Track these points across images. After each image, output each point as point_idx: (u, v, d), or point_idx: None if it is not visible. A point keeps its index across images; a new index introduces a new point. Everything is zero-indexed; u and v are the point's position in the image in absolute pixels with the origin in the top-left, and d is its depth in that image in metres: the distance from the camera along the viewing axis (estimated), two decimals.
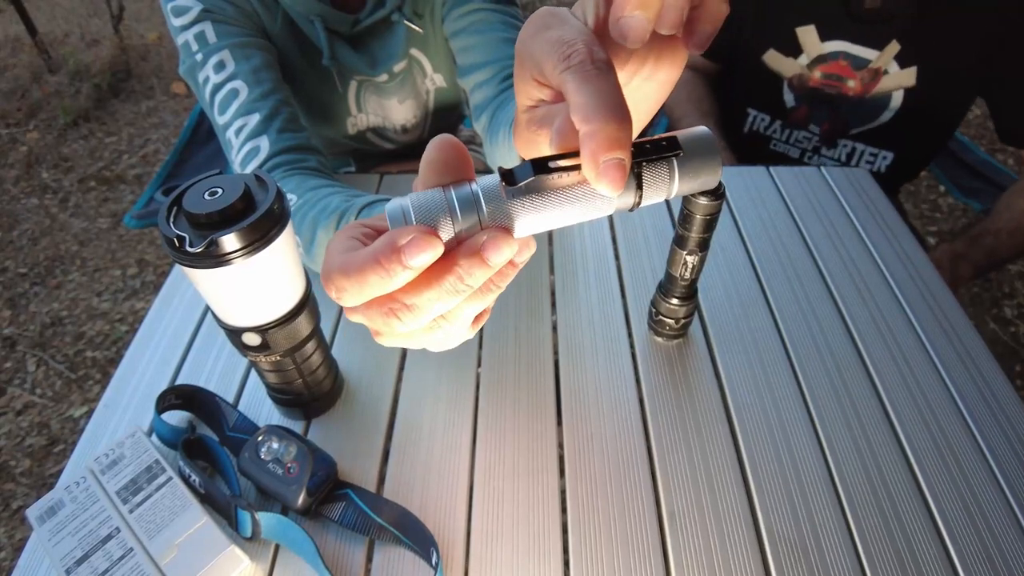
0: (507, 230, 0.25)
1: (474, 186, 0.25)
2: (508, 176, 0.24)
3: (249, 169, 0.61)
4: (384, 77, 0.80)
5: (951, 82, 0.85)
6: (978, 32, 0.81)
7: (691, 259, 0.51)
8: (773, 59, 0.92)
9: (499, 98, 0.67)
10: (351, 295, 0.25)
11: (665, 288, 0.55)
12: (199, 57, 0.65)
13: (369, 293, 0.25)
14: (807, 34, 0.87)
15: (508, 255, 0.24)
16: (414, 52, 0.82)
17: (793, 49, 0.90)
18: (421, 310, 0.25)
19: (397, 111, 0.87)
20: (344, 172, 0.95)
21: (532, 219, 0.25)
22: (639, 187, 0.25)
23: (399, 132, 0.90)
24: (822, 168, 0.79)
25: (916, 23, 0.81)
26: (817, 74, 0.90)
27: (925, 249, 0.77)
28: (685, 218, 0.48)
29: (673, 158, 0.25)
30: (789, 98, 0.94)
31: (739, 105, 1.00)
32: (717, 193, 0.46)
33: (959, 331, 0.59)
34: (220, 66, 0.64)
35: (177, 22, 0.65)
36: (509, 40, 0.70)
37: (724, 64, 1.04)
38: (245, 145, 0.62)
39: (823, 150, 0.96)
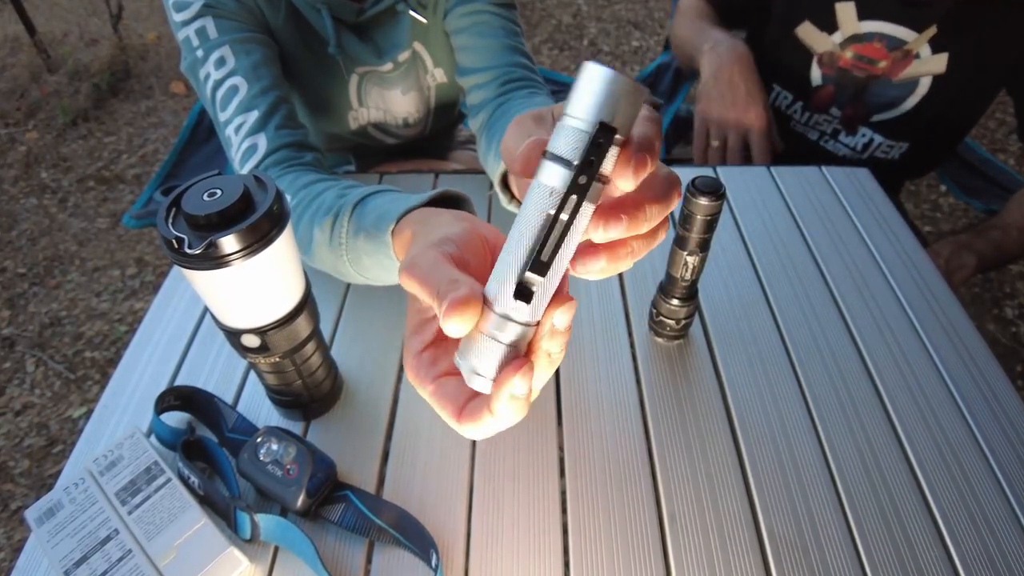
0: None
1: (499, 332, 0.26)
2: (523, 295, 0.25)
3: (248, 166, 0.61)
4: (389, 66, 0.81)
5: (980, 74, 0.84)
6: (1017, 28, 0.80)
7: (692, 260, 0.51)
8: (806, 32, 0.90)
9: (496, 100, 0.69)
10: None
11: (666, 289, 0.55)
12: (200, 53, 0.65)
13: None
14: (846, 11, 0.86)
15: (525, 386, 0.26)
16: (416, 46, 0.83)
17: (829, 24, 0.88)
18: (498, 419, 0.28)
19: (400, 103, 0.86)
20: (344, 171, 0.95)
21: (558, 275, 0.25)
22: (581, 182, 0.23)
23: (401, 127, 0.90)
24: (823, 168, 0.79)
25: (958, 10, 0.80)
26: (849, 54, 0.88)
27: (927, 248, 0.77)
28: (685, 218, 0.48)
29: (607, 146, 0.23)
30: (816, 75, 0.92)
31: (764, 78, 0.99)
32: (718, 194, 0.46)
33: (960, 331, 0.59)
34: (221, 62, 0.64)
35: (178, 17, 0.65)
36: (509, 47, 0.73)
37: (748, 31, 1.03)
38: (244, 142, 0.62)
39: (841, 135, 0.95)
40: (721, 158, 0.90)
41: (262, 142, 0.61)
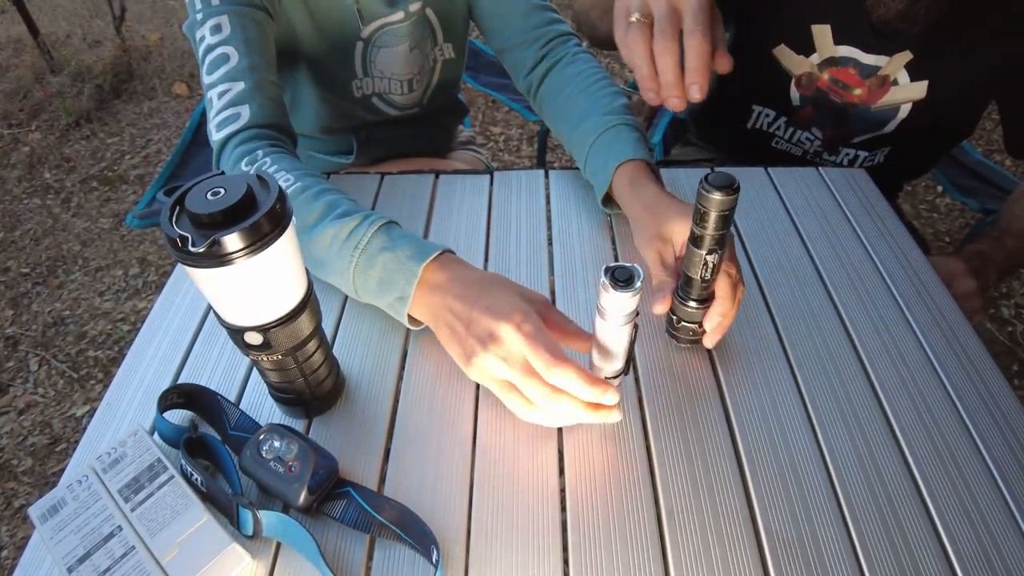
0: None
1: None
2: None
3: (224, 132, 0.63)
4: (400, 15, 0.82)
5: (963, 97, 0.83)
6: (997, 48, 0.79)
7: (711, 258, 0.49)
8: (783, 54, 0.89)
9: (543, 66, 0.80)
10: (561, 377, 0.46)
11: (684, 292, 0.53)
12: (199, 16, 0.68)
13: (566, 385, 0.47)
14: (822, 34, 0.85)
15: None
16: (428, 13, 0.86)
17: (806, 47, 0.87)
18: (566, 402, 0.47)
19: (405, 62, 0.88)
20: (345, 165, 0.95)
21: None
22: None
23: (404, 92, 0.91)
24: (820, 169, 0.79)
25: (930, 36, 0.79)
26: (826, 76, 0.87)
27: (925, 249, 0.77)
28: (701, 216, 0.47)
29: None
30: (795, 96, 0.92)
31: (744, 100, 0.98)
32: (732, 187, 0.45)
33: (956, 331, 0.59)
34: (217, 29, 0.67)
35: None
36: (537, 7, 0.81)
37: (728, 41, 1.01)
38: (226, 110, 0.64)
39: (825, 155, 0.95)
40: (647, 39, 0.55)
41: (246, 112, 0.64)
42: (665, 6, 0.54)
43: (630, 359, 0.50)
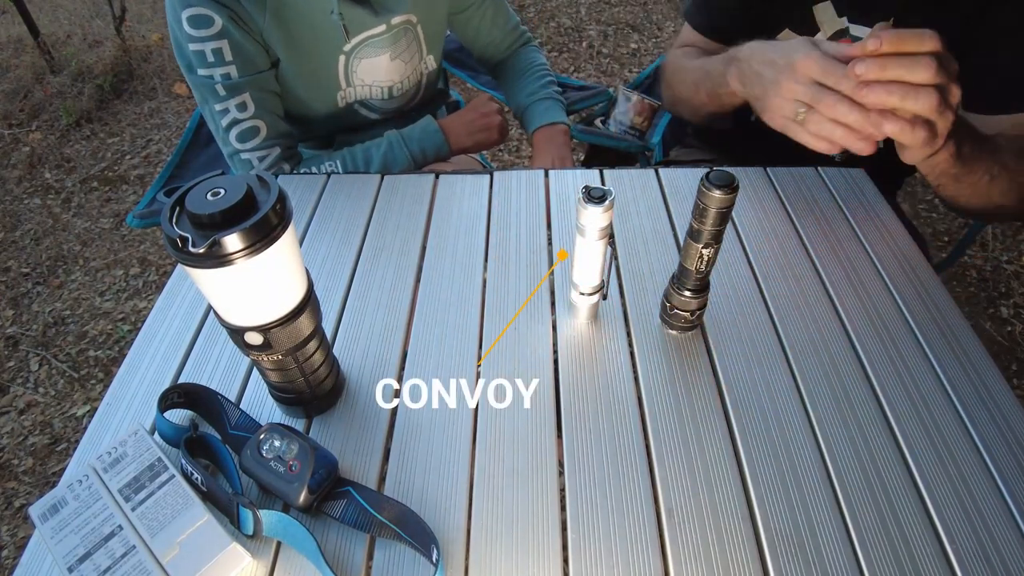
0: None
1: None
2: None
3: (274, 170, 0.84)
4: (382, 28, 0.88)
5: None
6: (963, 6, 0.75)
7: (707, 252, 0.51)
8: (788, 39, 0.88)
9: (504, 55, 1.08)
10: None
11: (679, 281, 0.55)
12: (222, 92, 0.78)
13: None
14: (824, 11, 0.84)
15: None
16: (418, 29, 0.93)
17: (809, 29, 0.86)
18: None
19: (386, 71, 0.92)
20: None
21: None
22: None
23: (385, 99, 0.96)
24: (819, 169, 0.79)
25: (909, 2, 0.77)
26: None
27: (924, 248, 0.77)
28: (700, 212, 0.49)
29: None
30: None
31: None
32: (732, 186, 0.47)
33: (955, 330, 0.60)
34: (243, 107, 0.79)
35: (195, 33, 0.76)
36: (511, 24, 1.06)
37: (728, 43, 1.01)
38: (269, 167, 0.84)
39: None
40: (832, 146, 0.62)
41: (287, 168, 0.85)
42: (810, 84, 0.60)
43: (607, 276, 0.57)
